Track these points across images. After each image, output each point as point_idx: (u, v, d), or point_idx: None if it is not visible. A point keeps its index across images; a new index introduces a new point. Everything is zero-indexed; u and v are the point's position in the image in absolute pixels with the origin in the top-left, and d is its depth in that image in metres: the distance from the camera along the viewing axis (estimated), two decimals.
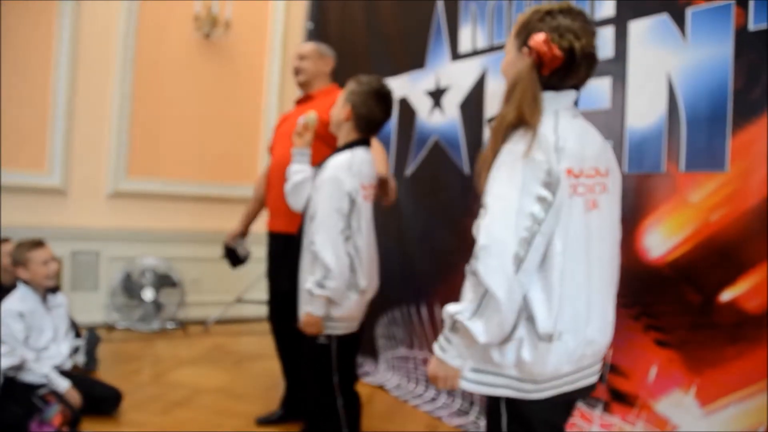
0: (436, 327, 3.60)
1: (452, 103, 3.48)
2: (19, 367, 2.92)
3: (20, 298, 3.07)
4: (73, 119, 4.91)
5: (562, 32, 1.45)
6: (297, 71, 3.17)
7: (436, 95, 3.59)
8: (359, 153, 2.36)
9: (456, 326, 1.40)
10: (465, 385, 1.49)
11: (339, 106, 2.40)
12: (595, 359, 1.57)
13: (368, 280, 2.38)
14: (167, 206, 5.31)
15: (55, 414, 2.84)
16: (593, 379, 1.59)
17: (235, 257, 3.38)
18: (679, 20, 2.38)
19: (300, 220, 2.49)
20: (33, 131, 4.77)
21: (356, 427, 2.49)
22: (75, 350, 3.60)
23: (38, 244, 3.18)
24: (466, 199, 3.36)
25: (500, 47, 3.17)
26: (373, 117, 2.39)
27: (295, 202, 2.46)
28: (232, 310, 5.40)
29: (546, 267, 1.42)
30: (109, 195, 5.09)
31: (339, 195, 2.25)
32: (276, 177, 3.02)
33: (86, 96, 4.94)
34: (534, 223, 1.38)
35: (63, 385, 3.02)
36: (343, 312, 2.31)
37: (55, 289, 3.27)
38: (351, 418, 2.46)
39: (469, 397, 3.40)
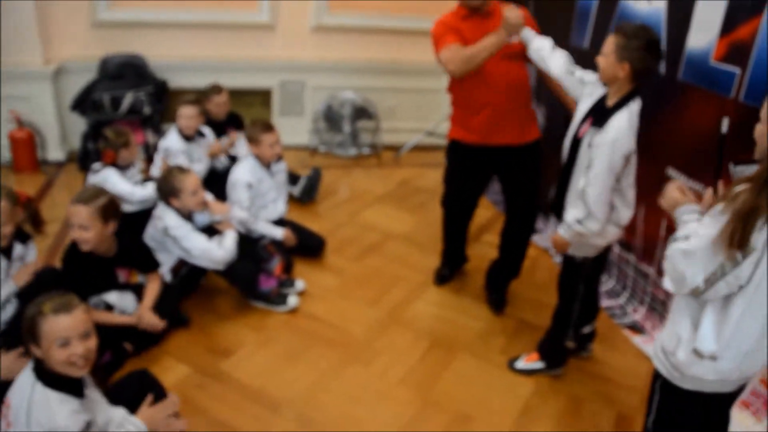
0: None
1: None
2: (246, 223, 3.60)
3: (250, 170, 3.64)
4: None
5: None
6: None
7: None
8: (634, 107, 2.45)
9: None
10: None
11: (612, 62, 2.40)
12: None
13: (630, 214, 2.64)
14: (366, 39, 5.56)
15: (276, 265, 3.54)
16: None
17: None
18: None
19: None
20: None
21: (578, 331, 2.97)
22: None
23: (269, 128, 3.64)
24: (656, 100, 3.26)
25: None
26: (649, 70, 2.43)
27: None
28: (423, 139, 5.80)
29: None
30: (313, 29, 5.41)
31: (617, 157, 2.42)
32: (497, 97, 3.11)
33: None
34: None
35: (278, 233, 3.68)
36: (603, 241, 2.67)
37: (279, 157, 3.80)
38: (579, 322, 2.92)
39: (622, 281, 3.62)
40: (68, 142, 5.13)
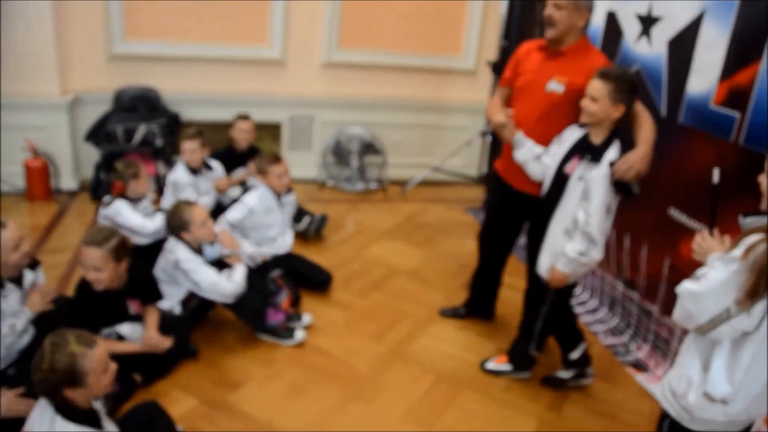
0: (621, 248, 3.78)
1: (662, 36, 3.30)
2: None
3: (260, 197, 3.73)
4: None
5: None
6: (549, 20, 2.84)
7: (647, 22, 3.41)
8: (618, 143, 2.66)
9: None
10: None
11: (607, 106, 2.57)
12: None
13: (602, 253, 2.77)
14: (375, 75, 5.68)
15: (284, 299, 3.58)
16: None
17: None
18: None
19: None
20: (256, 10, 5.21)
21: (541, 346, 3.12)
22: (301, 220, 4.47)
23: (277, 159, 3.74)
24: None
25: None
26: (632, 108, 2.69)
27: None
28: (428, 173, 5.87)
29: None
30: (323, 65, 5.53)
31: (610, 189, 2.63)
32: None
33: None
34: None
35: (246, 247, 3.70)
36: (577, 274, 2.81)
37: (288, 189, 3.87)
38: (542, 339, 3.10)
39: (626, 318, 3.66)
40: (81, 172, 5.22)
